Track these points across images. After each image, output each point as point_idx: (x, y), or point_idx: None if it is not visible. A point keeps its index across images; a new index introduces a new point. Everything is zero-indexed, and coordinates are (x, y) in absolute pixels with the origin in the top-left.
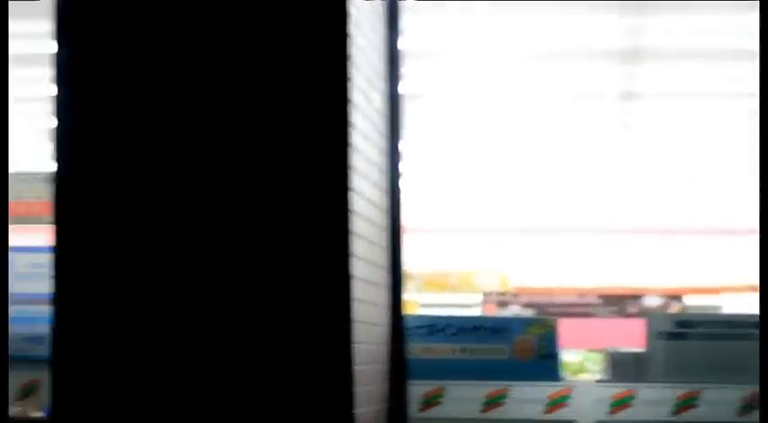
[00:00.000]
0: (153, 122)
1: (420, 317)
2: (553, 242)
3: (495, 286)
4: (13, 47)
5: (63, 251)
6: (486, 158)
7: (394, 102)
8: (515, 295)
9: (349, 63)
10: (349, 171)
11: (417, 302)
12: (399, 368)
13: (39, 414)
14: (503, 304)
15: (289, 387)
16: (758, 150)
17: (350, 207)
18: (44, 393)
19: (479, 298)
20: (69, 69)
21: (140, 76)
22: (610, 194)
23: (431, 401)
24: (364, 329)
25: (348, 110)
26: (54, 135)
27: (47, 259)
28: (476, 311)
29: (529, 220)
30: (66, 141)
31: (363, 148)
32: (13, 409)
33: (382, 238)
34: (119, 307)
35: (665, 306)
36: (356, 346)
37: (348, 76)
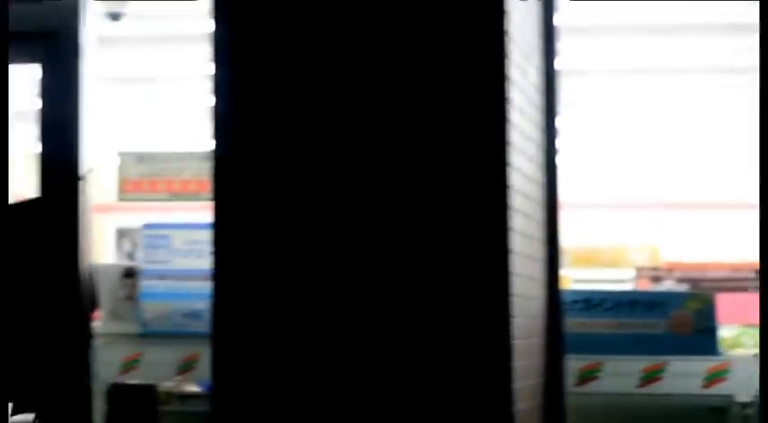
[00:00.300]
0: (311, 103)
1: (576, 291)
2: (706, 216)
3: (647, 261)
4: (176, 25)
5: (222, 228)
6: (639, 133)
7: (549, 77)
8: (668, 270)
9: (506, 38)
10: (507, 146)
11: (569, 278)
12: (556, 342)
13: (197, 388)
14: (656, 279)
15: (448, 361)
16: (758, 150)
17: (508, 182)
18: (202, 368)
19: (632, 273)
20: (227, 49)
21: (300, 57)
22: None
23: (587, 376)
24: (522, 304)
25: (506, 86)
26: (212, 114)
27: (204, 236)
28: (628, 287)
29: (681, 195)
30: (224, 120)
31: (520, 124)
32: (170, 384)
33: (538, 213)
34: (277, 283)
35: None
36: (514, 320)
37: (505, 52)
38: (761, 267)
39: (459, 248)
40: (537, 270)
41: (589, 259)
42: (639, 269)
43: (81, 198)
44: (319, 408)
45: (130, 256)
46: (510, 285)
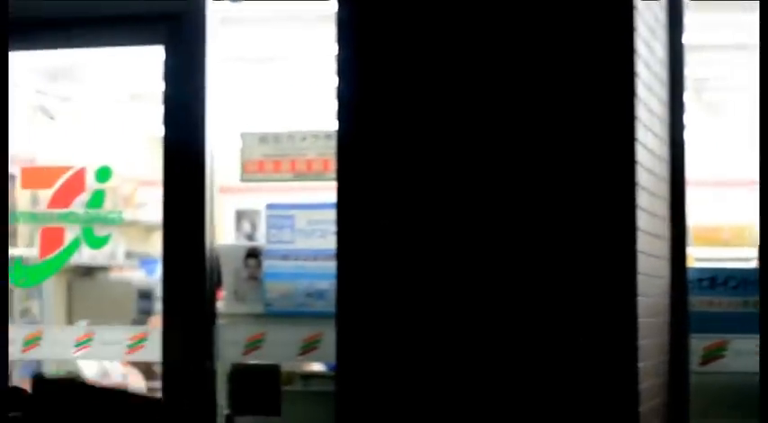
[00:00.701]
0: (437, 83)
1: (700, 269)
2: None
3: None
4: (299, 5)
5: (346, 208)
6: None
7: (676, 52)
8: None
9: (634, 13)
10: (635, 122)
11: (692, 256)
12: (680, 321)
13: (320, 368)
14: None
15: (573, 339)
16: (759, 150)
17: (636, 158)
18: (325, 348)
19: (755, 252)
20: (352, 28)
21: (425, 37)
22: None
23: (712, 355)
24: (647, 282)
25: (634, 59)
26: (336, 94)
27: (327, 216)
28: (752, 265)
29: None
30: (348, 100)
31: (647, 99)
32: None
33: (663, 190)
34: (401, 263)
35: None
36: (639, 298)
37: (633, 25)
38: (761, 267)
39: (586, 226)
40: (662, 248)
41: (711, 238)
42: None
43: (205, 179)
44: (443, 389)
45: (250, 237)
46: (636, 263)
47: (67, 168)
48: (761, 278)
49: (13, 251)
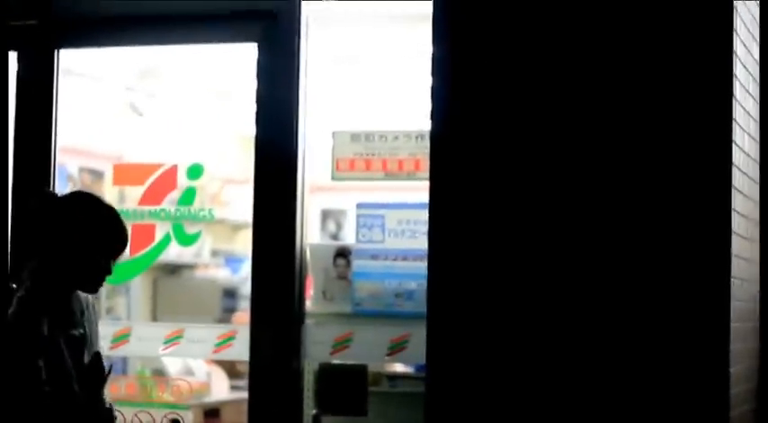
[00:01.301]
0: (532, 83)
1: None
2: None
3: None
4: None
5: (439, 208)
6: None
7: None
8: None
9: (734, 12)
10: (732, 123)
11: None
12: None
13: (407, 369)
14: None
15: (667, 342)
16: (759, 151)
17: (733, 160)
18: (413, 349)
19: None
20: (447, 27)
21: (522, 37)
22: None
23: None
24: (741, 286)
25: (733, 60)
26: (431, 93)
27: (418, 216)
28: None
29: None
30: (442, 100)
31: (743, 100)
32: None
33: (755, 193)
34: (493, 266)
35: None
36: (733, 302)
37: (732, 25)
38: (761, 266)
39: (682, 227)
40: (754, 251)
41: None
42: None
43: (297, 178)
44: (534, 390)
45: (335, 236)
46: (731, 267)
47: (159, 166)
48: (761, 278)
49: None
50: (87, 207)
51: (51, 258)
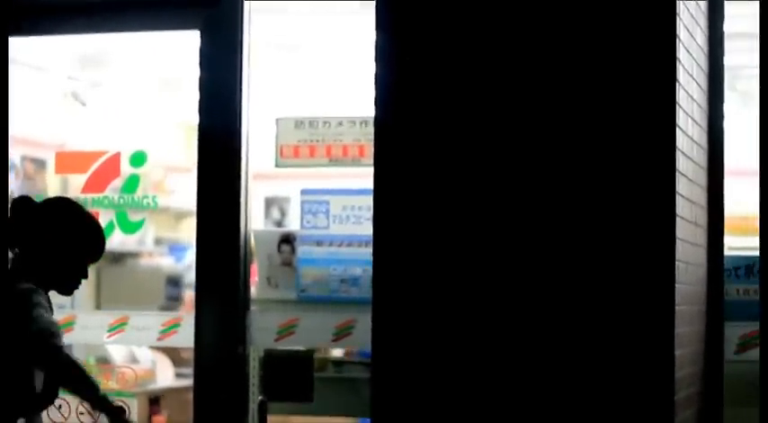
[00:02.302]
0: (476, 70)
1: (737, 258)
2: None
3: None
4: None
5: (383, 194)
6: None
7: (715, 40)
8: None
9: None
10: (676, 107)
11: (726, 245)
12: (717, 309)
13: (352, 355)
14: None
15: (611, 325)
16: (759, 151)
17: (676, 144)
18: (358, 334)
19: None
20: (391, 14)
21: (465, 24)
22: None
23: (747, 343)
24: (686, 270)
25: (676, 44)
26: (375, 80)
27: (363, 202)
28: None
29: None
30: (387, 86)
31: (687, 85)
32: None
33: (702, 178)
34: (437, 251)
35: None
36: (678, 286)
37: (676, 10)
38: (761, 265)
39: (626, 212)
40: (700, 235)
41: (746, 227)
42: None
43: (240, 165)
44: (479, 375)
45: (279, 224)
46: (675, 251)
47: (102, 153)
48: (761, 271)
49: None
50: (72, 214)
51: (37, 261)
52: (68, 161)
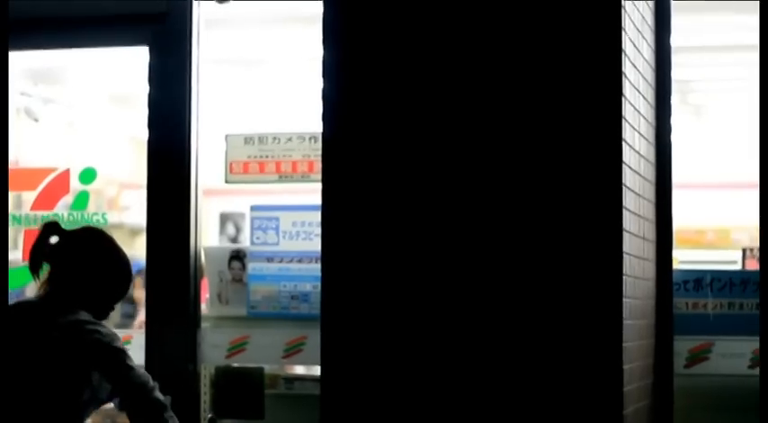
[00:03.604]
0: (422, 84)
1: (686, 271)
2: None
3: (754, 242)
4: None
5: (332, 210)
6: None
7: (662, 54)
8: None
9: (622, 11)
10: (622, 121)
11: (675, 258)
12: (666, 323)
13: (303, 371)
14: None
15: (559, 340)
16: (759, 151)
17: (623, 158)
18: (309, 351)
19: (738, 254)
20: (337, 30)
21: (411, 39)
22: None
23: (697, 357)
24: (633, 284)
25: (621, 59)
26: (322, 96)
27: (313, 218)
28: (736, 267)
29: None
30: (334, 102)
31: (633, 99)
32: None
33: (650, 192)
34: (387, 267)
35: None
36: (625, 300)
37: (621, 25)
38: (762, 267)
39: (572, 227)
40: (648, 250)
41: (695, 240)
42: (748, 249)
43: (190, 181)
44: (429, 392)
45: (234, 240)
46: (622, 265)
47: (51, 170)
48: (761, 279)
49: None
50: (111, 247)
51: (79, 291)
52: (18, 178)
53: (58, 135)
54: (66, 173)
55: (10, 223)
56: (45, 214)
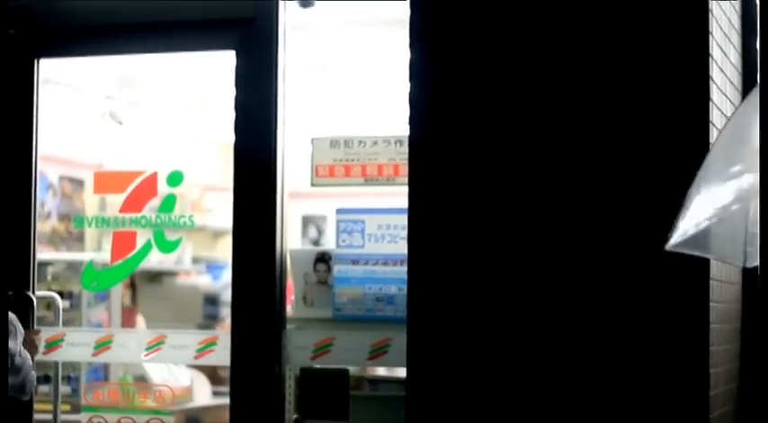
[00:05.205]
0: (507, 87)
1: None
2: None
3: None
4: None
5: (418, 213)
6: None
7: (748, 57)
8: None
9: (710, 15)
10: (710, 126)
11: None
12: (752, 327)
13: (388, 373)
14: None
15: (646, 342)
16: (759, 151)
17: None
18: (393, 353)
19: None
20: (424, 33)
21: (498, 41)
22: None
23: None
24: (720, 288)
25: (709, 63)
26: (409, 99)
27: (398, 221)
28: None
29: None
30: (421, 105)
31: (720, 104)
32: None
33: None
34: (473, 270)
35: None
36: (712, 304)
37: (708, 28)
38: (761, 266)
39: (660, 230)
40: None
41: None
42: None
43: (276, 184)
44: (514, 395)
45: (316, 242)
46: (710, 269)
47: (139, 173)
48: (761, 278)
49: (82, 255)
50: None
51: None
52: (106, 181)
53: (140, 138)
54: (154, 176)
55: (97, 225)
56: (133, 217)
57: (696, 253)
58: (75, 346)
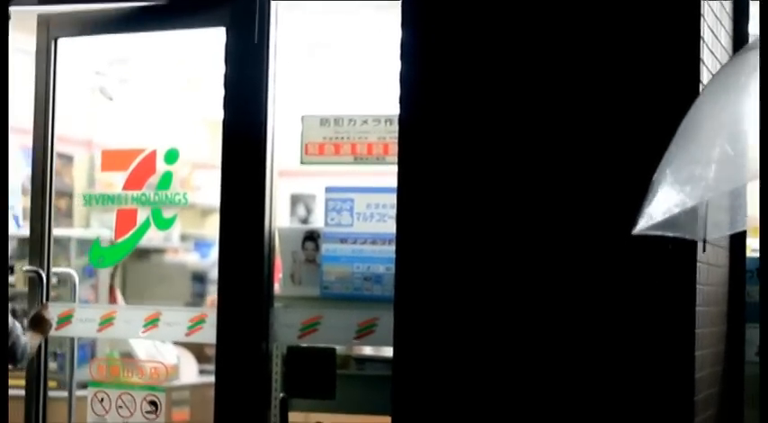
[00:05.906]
0: (498, 68)
1: (758, 259)
2: None
3: None
4: None
5: (407, 192)
6: None
7: (740, 41)
8: None
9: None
10: None
11: (748, 246)
12: (738, 311)
13: (374, 353)
14: None
15: (632, 324)
16: (759, 151)
17: None
18: (381, 332)
19: None
20: (416, 12)
21: (490, 21)
22: None
23: None
24: (707, 270)
25: (700, 46)
26: (399, 78)
27: (387, 200)
28: None
29: None
30: (411, 84)
31: None
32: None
33: None
34: (461, 248)
35: None
36: (699, 287)
37: (700, 11)
38: (761, 265)
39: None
40: (723, 237)
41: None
42: None
43: (266, 162)
44: (500, 374)
45: (304, 221)
46: (696, 252)
47: (141, 151)
48: (761, 274)
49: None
50: None
51: None
52: (114, 159)
53: (130, 115)
54: (153, 153)
55: (103, 202)
56: (134, 194)
57: (658, 233)
58: (83, 322)
